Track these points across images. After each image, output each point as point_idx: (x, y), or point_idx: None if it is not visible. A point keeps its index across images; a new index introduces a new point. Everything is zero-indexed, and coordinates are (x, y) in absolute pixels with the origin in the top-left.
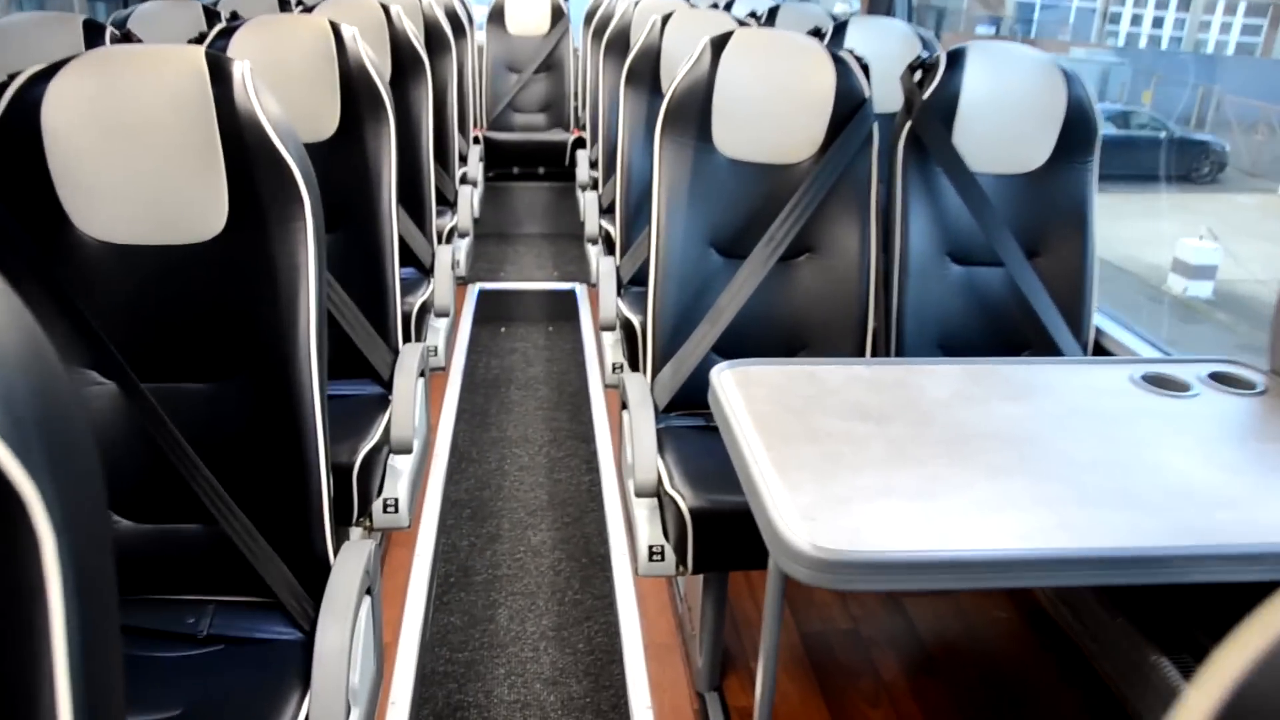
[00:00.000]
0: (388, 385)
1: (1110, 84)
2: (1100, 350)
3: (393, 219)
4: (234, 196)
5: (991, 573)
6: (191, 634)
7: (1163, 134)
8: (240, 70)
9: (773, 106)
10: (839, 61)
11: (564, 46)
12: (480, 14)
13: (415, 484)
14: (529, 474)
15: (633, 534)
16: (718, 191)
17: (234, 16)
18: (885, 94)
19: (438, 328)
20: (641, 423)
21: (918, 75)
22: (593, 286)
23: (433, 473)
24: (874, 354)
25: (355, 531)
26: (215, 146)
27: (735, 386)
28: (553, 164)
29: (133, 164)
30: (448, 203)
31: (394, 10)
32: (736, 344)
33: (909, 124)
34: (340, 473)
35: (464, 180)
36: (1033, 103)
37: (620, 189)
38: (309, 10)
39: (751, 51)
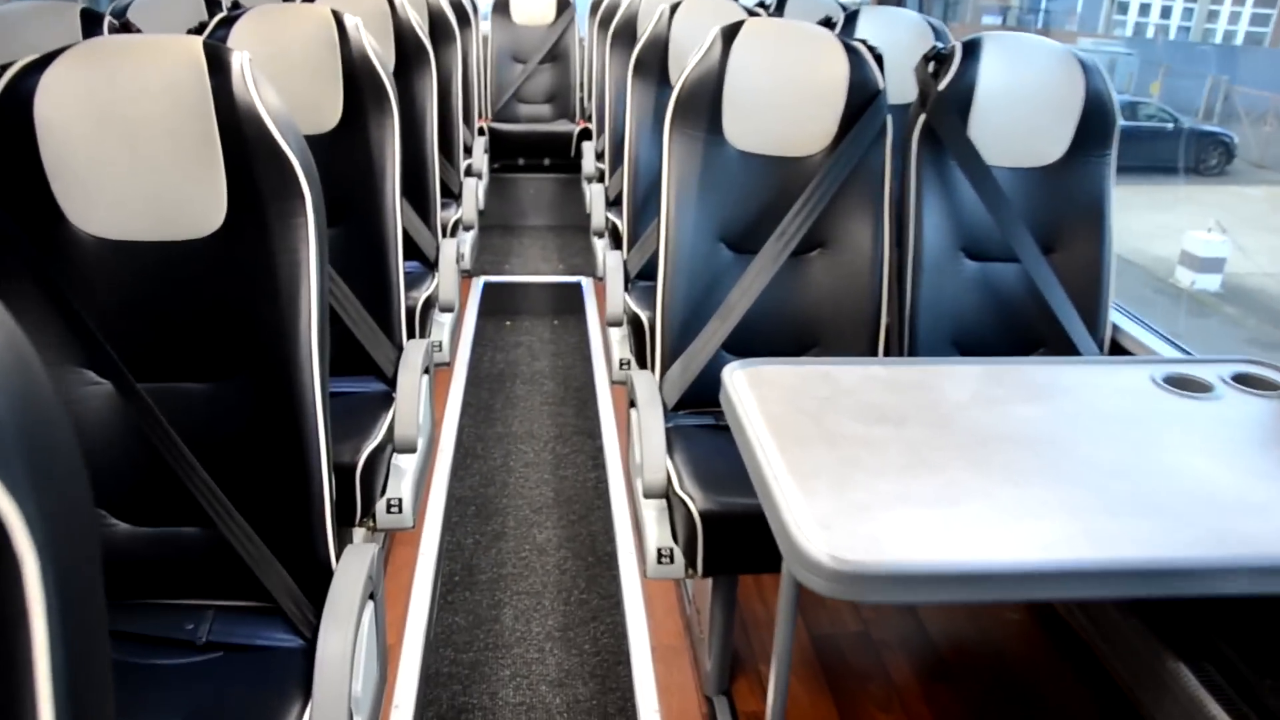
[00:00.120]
0: (391, 382)
1: (1118, 75)
2: (1117, 348)
3: (396, 212)
4: (233, 191)
5: (1016, 585)
6: (190, 640)
7: (1171, 125)
8: (239, 61)
9: (785, 98)
10: (852, 52)
11: (570, 36)
12: (485, 3)
13: (419, 483)
14: (534, 470)
15: (640, 535)
16: (728, 185)
17: (235, 5)
18: (898, 85)
19: (442, 322)
20: (650, 422)
21: (932, 66)
22: (599, 280)
23: (437, 469)
24: (887, 351)
25: (358, 532)
26: (214, 140)
27: (748, 387)
28: (558, 155)
29: (129, 158)
30: (452, 195)
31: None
32: (747, 341)
33: (923, 116)
34: (343, 473)
35: (469, 172)
36: (1050, 95)
37: (627, 181)
38: None
39: (763, 41)
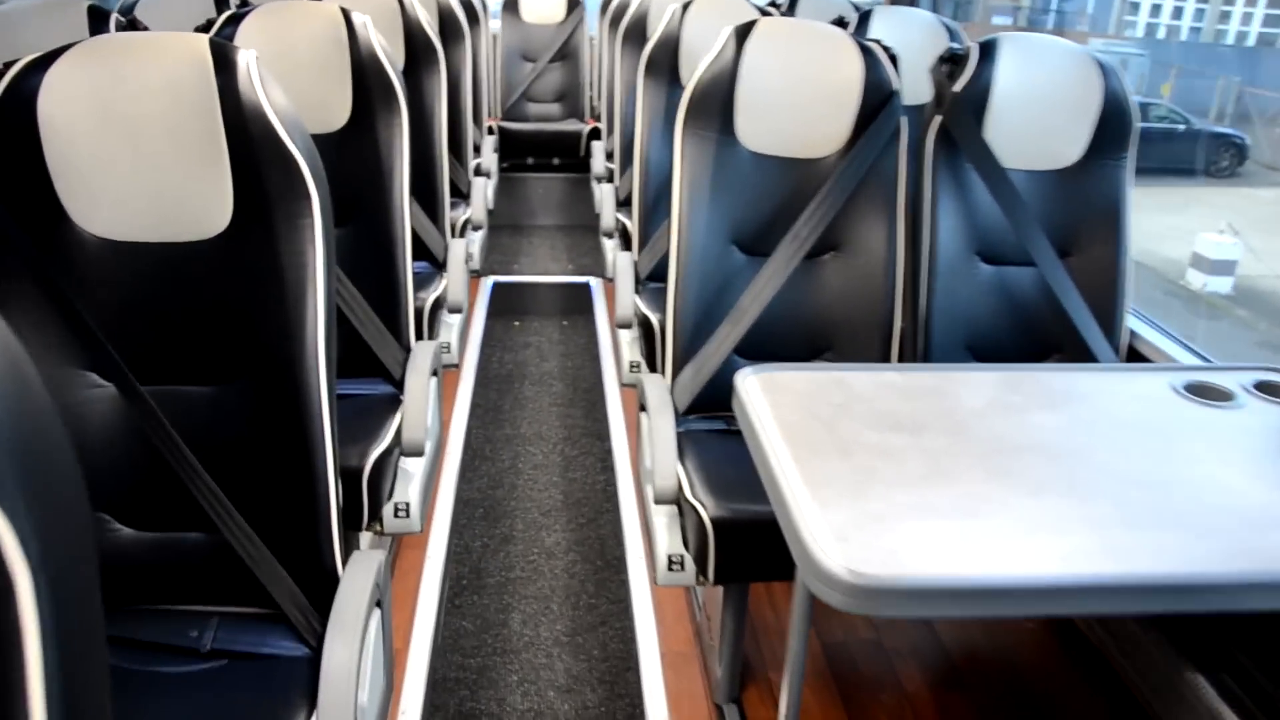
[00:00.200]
0: (399, 385)
1: (1128, 76)
2: (1134, 354)
3: (405, 212)
4: (239, 192)
5: (1036, 601)
6: (194, 648)
7: (1182, 127)
8: (245, 59)
9: (798, 98)
10: (867, 52)
11: (579, 35)
12: (495, 1)
13: (427, 487)
14: (543, 473)
15: (650, 541)
16: (740, 186)
17: (243, 3)
18: (911, 85)
19: (450, 323)
20: (661, 428)
21: (948, 67)
22: (608, 280)
23: (445, 471)
24: (900, 356)
25: (365, 536)
26: (219, 140)
27: (761, 393)
28: (567, 155)
29: (133, 158)
30: (461, 194)
31: None
32: (759, 344)
33: (939, 117)
34: (350, 477)
35: (478, 171)
36: (1067, 96)
37: (638, 182)
38: None
39: (777, 41)
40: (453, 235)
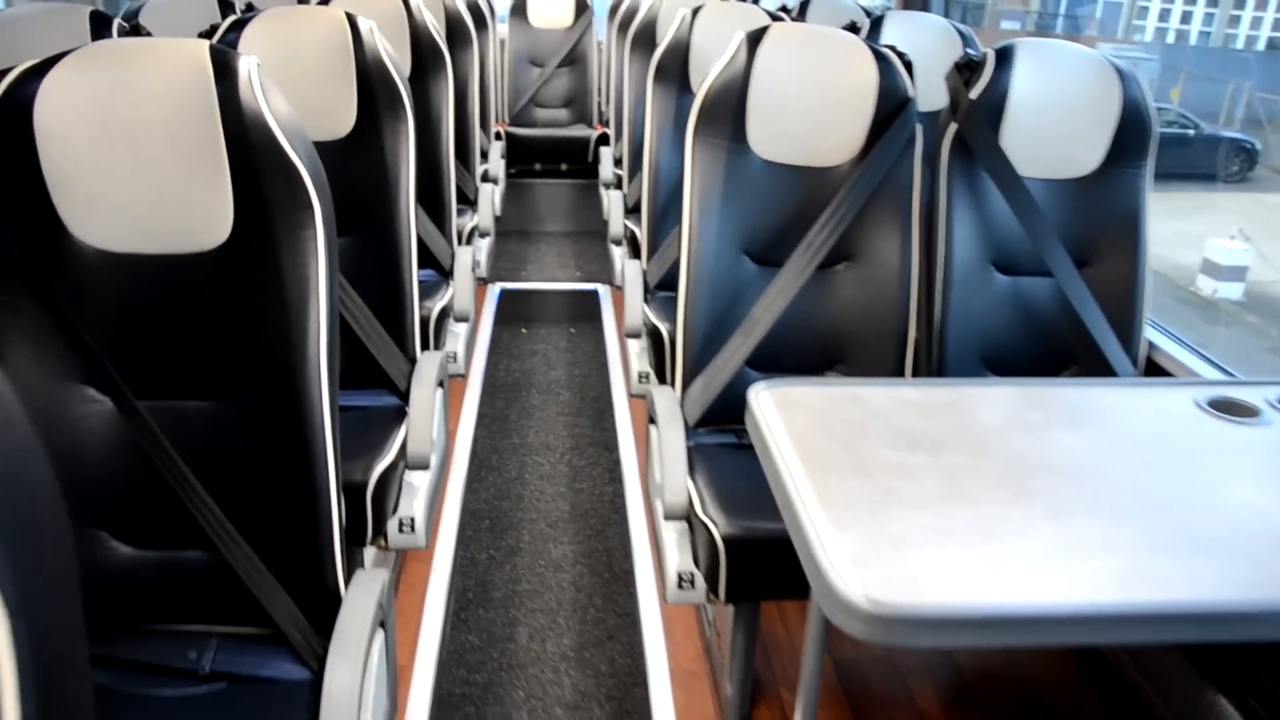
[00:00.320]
0: (404, 396)
1: None
2: (1152, 365)
3: (411, 220)
4: (239, 202)
5: (1060, 630)
6: (192, 670)
7: (1191, 132)
8: (246, 66)
9: (812, 106)
10: (881, 58)
11: (588, 40)
12: (502, 6)
13: (433, 502)
14: (550, 483)
15: (660, 557)
16: (752, 195)
17: (249, 8)
18: (924, 92)
19: (457, 332)
20: (671, 442)
21: (963, 74)
22: (616, 287)
23: (451, 481)
24: (915, 367)
25: (369, 552)
26: (219, 149)
27: (774, 409)
28: (575, 160)
29: (132, 167)
30: (468, 201)
31: (414, 2)
32: (771, 356)
33: (954, 125)
34: (353, 491)
35: (485, 178)
36: (1085, 103)
37: (647, 189)
38: (325, 2)
39: (790, 48)
40: (459, 242)
